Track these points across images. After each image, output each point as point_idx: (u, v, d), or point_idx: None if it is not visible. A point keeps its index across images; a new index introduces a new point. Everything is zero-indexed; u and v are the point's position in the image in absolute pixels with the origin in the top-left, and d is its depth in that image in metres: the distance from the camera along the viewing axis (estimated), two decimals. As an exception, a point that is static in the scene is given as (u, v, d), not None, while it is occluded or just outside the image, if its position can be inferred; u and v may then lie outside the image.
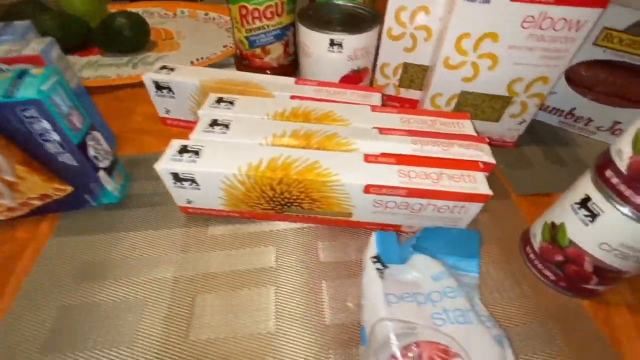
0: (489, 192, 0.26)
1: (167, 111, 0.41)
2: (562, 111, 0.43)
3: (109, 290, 0.27)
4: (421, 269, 0.25)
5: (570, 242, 0.25)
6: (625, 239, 0.22)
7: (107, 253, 0.30)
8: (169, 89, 0.38)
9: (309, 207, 0.30)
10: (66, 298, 0.27)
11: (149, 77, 0.37)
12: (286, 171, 0.27)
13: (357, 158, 0.28)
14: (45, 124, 0.26)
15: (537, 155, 0.41)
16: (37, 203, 0.31)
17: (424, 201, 0.27)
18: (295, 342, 0.25)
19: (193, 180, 0.28)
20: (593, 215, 0.23)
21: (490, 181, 0.36)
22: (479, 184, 0.27)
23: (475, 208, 0.28)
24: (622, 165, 0.21)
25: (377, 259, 0.25)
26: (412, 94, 0.44)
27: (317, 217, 0.31)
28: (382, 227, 0.31)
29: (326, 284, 0.28)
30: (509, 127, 0.39)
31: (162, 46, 0.58)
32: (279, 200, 0.29)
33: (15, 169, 0.28)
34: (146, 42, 0.56)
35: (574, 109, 0.42)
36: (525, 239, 0.30)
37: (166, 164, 0.27)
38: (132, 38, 0.54)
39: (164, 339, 0.25)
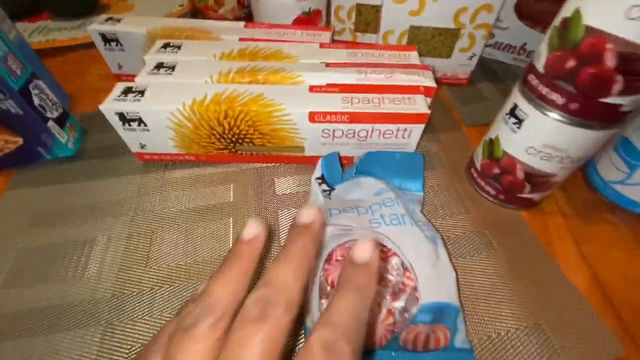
0: (427, 111, 0.27)
1: (120, 66, 0.40)
2: (515, 47, 0.44)
3: (68, 232, 0.28)
4: (364, 187, 0.26)
5: (504, 152, 0.27)
6: (546, 139, 0.24)
7: (63, 201, 0.30)
8: (117, 42, 0.38)
9: (261, 143, 0.30)
10: (25, 241, 0.27)
11: (94, 29, 0.37)
12: (230, 103, 0.27)
13: (302, 89, 0.29)
14: (-21, 67, 0.25)
15: (489, 90, 0.42)
16: (-12, 157, 0.31)
17: (368, 126, 0.28)
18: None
19: (140, 121, 0.28)
20: (520, 121, 0.25)
21: (443, 115, 0.37)
22: (418, 105, 0.28)
23: (417, 130, 0.29)
24: (540, 66, 0.22)
25: (322, 179, 0.26)
26: (369, 38, 0.45)
27: (272, 155, 0.32)
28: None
29: (281, 213, 0.29)
30: (460, 62, 0.40)
31: (115, 8, 0.55)
32: (229, 137, 0.30)
33: (-44, 118, 0.27)
34: (97, 4, 0.54)
35: (525, 44, 0.43)
36: (470, 162, 0.32)
37: (110, 104, 0.27)
38: (82, 0, 0.51)
39: (125, 267, 0.26)
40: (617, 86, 0.19)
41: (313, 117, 0.27)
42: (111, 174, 0.32)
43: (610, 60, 0.19)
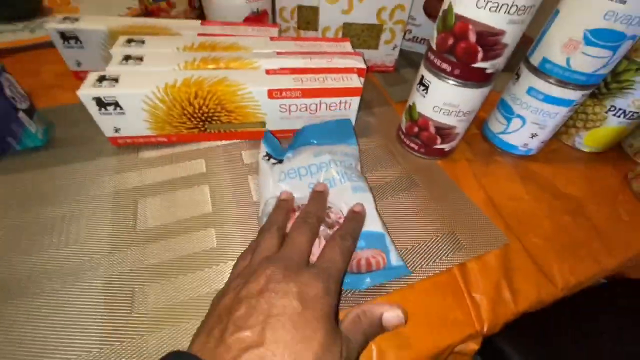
0: (360, 85, 0.35)
1: (79, 63, 0.42)
2: (428, 40, 0.55)
3: (45, 212, 0.30)
4: (306, 153, 0.33)
5: (419, 114, 0.35)
6: (444, 98, 0.33)
7: (38, 185, 0.32)
8: (77, 39, 0.40)
9: (228, 120, 0.36)
10: (10, 219, 0.29)
11: (53, 28, 0.39)
12: (199, 85, 0.32)
13: (260, 73, 0.35)
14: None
15: (411, 74, 0.52)
16: (-45, 149, 0.32)
17: (317, 100, 0.35)
18: (229, 216, 0.31)
19: (117, 104, 0.32)
20: (426, 88, 0.33)
21: (376, 95, 0.46)
22: (353, 81, 0.35)
23: (355, 102, 0.36)
24: (434, 45, 0.31)
25: (268, 155, 0.33)
26: (311, 34, 0.52)
27: (238, 132, 0.37)
28: (293, 133, 0.39)
29: (250, 177, 0.35)
30: (386, 52, 0.49)
31: (59, 11, 0.56)
32: (199, 115, 0.34)
33: None
34: (39, 7, 0.54)
35: (435, 37, 0.54)
36: (398, 127, 0.41)
37: (88, 90, 0.31)
38: (24, 2, 0.51)
39: (113, 233, 0.29)
40: (480, 54, 0.29)
41: (271, 93, 0.34)
42: (86, 158, 0.35)
43: (472, 37, 0.28)
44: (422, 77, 0.34)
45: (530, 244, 0.32)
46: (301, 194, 0.30)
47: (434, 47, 0.31)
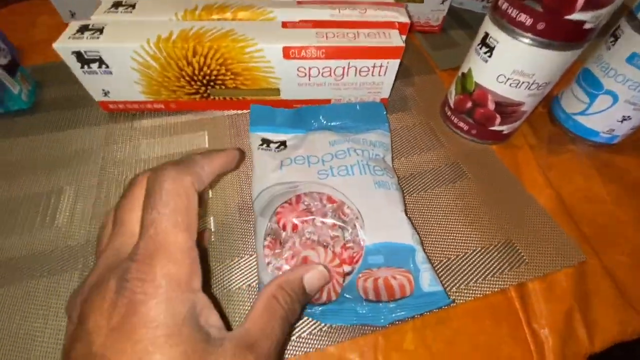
0: (402, 44, 0.27)
1: (72, 14, 0.37)
2: (485, -6, 0.44)
3: (29, 185, 0.26)
4: (320, 139, 0.26)
5: (476, 84, 0.27)
6: (515, 64, 0.24)
7: (22, 154, 0.28)
8: (67, -16, 0.34)
9: (234, 85, 0.29)
10: (-18, 195, 0.25)
11: (38, -31, 0.33)
12: (199, 39, 0.26)
13: (275, 25, 0.28)
14: None
15: (461, 37, 0.42)
16: None
17: (344, 63, 0.28)
18: (231, 203, 0.26)
19: (101, 61, 0.26)
20: (491, 50, 0.25)
21: (417, 60, 0.37)
22: (393, 38, 0.28)
23: (393, 66, 0.29)
24: (510, -13, 0.23)
25: (265, 141, 0.27)
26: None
27: (247, 100, 0.31)
28: (313, 104, 0.32)
29: (259, 156, 0.29)
30: (432, 7, 0.40)
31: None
32: (199, 78, 0.28)
33: None
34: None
35: (495, -10, 0.43)
36: (444, 101, 0.33)
37: (66, 42, 0.25)
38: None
39: (97, 215, 0.25)
40: (580, 1, 0.20)
41: (287, 52, 0.27)
42: (74, 126, 0.30)
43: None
44: (487, 35, 0.25)
45: (613, 262, 0.24)
46: (309, 179, 0.24)
47: (510, -10, 0.23)
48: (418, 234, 0.23)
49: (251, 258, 0.23)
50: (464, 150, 0.30)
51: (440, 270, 0.23)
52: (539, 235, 0.25)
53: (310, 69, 0.28)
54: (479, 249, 0.24)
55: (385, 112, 0.29)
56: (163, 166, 0.15)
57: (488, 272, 0.23)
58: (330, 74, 0.29)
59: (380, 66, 0.29)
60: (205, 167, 0.17)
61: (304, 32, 0.27)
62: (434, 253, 0.24)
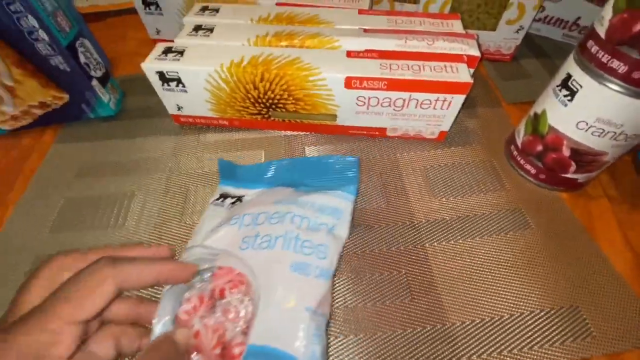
0: (470, 80, 0.26)
1: (158, 31, 0.41)
2: (566, 22, 0.41)
3: (108, 186, 0.29)
4: (268, 196, 0.25)
5: (550, 127, 0.25)
6: (602, 112, 0.22)
7: (105, 156, 0.32)
8: (157, 5, 0.38)
9: (294, 109, 0.30)
10: (70, 192, 0.29)
11: (135, -7, 0.37)
12: (267, 66, 0.27)
13: (340, 54, 0.28)
14: (32, 21, 0.26)
15: (534, 67, 0.39)
16: (38, 112, 0.32)
17: (406, 95, 0.27)
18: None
19: (179, 81, 0.29)
20: (572, 93, 0.23)
21: (482, 91, 0.36)
22: (460, 73, 0.27)
23: (458, 101, 0.28)
24: (602, 31, 0.21)
25: (223, 196, 0.26)
26: (408, 8, 0.43)
27: (304, 123, 0.32)
28: (368, 132, 0.32)
29: (310, 180, 0.30)
30: (505, 35, 0.38)
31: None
32: (263, 101, 0.30)
33: (11, 71, 0.29)
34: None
35: (579, 18, 0.40)
36: (510, 139, 0.31)
37: (152, 63, 0.28)
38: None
39: (161, 222, 0.27)
40: (694, 51, 0.18)
41: (349, 82, 0.27)
42: (149, 134, 0.33)
43: None
44: (569, 76, 0.23)
45: None
46: (231, 248, 0.21)
47: (603, 33, 0.21)
48: (326, 344, 0.19)
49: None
50: (529, 196, 0.28)
51: (489, 329, 0.22)
52: (612, 305, 0.22)
53: (370, 98, 0.28)
54: (538, 311, 0.22)
55: (356, 171, 0.26)
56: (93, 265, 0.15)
57: (545, 339, 0.21)
58: (390, 105, 0.28)
59: (444, 100, 0.28)
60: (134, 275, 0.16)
61: (368, 62, 0.27)
62: (483, 308, 0.22)
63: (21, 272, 0.25)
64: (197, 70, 0.28)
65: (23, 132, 0.34)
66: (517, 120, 0.34)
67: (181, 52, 0.29)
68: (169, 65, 0.28)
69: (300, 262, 0.20)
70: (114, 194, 0.29)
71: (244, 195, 0.25)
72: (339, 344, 0.21)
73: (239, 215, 0.23)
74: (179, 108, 0.32)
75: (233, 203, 0.25)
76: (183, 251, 0.22)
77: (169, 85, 0.29)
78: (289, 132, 0.33)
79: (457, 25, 0.31)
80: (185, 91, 0.30)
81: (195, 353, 0.18)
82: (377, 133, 0.32)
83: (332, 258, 0.22)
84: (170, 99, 0.31)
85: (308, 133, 0.33)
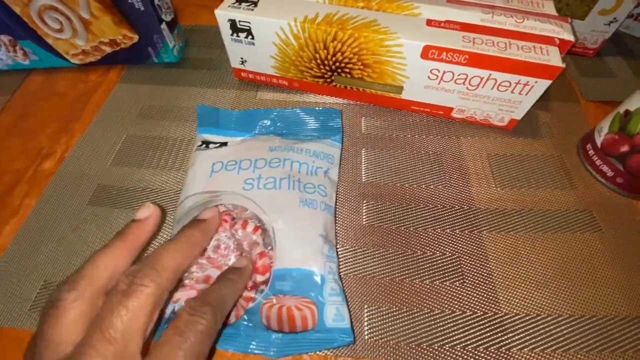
0: (562, 64, 0.24)
1: (225, -16, 0.40)
2: (665, 20, 0.37)
3: (168, 128, 0.30)
4: (260, 143, 0.25)
5: (644, 127, 0.23)
6: None
7: (166, 101, 0.32)
8: (229, -44, 0.37)
9: (360, 75, 0.29)
10: (132, 129, 0.30)
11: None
12: (342, 25, 0.26)
13: (419, 22, 0.27)
14: (117, -47, 0.26)
15: (619, 66, 0.36)
16: (107, 49, 0.33)
17: (486, 73, 0.26)
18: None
19: (249, 32, 0.28)
20: (683, 90, 0.21)
21: (559, 84, 0.33)
22: (551, 56, 0.24)
23: (541, 87, 0.26)
24: None
25: (205, 143, 0.26)
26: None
27: (365, 92, 0.31)
28: (431, 110, 0.30)
29: (364, 150, 0.29)
30: (594, 27, 0.34)
31: None
32: (329, 64, 0.29)
33: (90, 4, 0.29)
34: None
35: (682, 17, 0.36)
36: (587, 137, 0.28)
37: (225, 10, 0.28)
38: None
39: (214, 171, 0.27)
40: None
41: (427, 52, 0.25)
42: (209, 85, 0.33)
43: None
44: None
45: None
46: (234, 188, 0.22)
47: None
48: (337, 260, 0.22)
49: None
50: (600, 199, 0.26)
51: (545, 325, 0.20)
52: (686, 325, 0.20)
53: (444, 72, 0.27)
54: (600, 316, 0.21)
55: (339, 121, 0.27)
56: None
57: (605, 345, 0.20)
58: (464, 82, 0.27)
59: (526, 84, 0.26)
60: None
61: (450, 33, 0.26)
62: (540, 304, 0.21)
63: (82, 197, 0.26)
64: (269, 22, 0.27)
65: (90, 68, 0.35)
66: (595, 119, 0.31)
67: (255, 3, 0.28)
68: (242, 15, 0.27)
69: (307, 199, 0.22)
70: (173, 137, 0.29)
71: (226, 142, 0.26)
72: (383, 315, 0.21)
73: (235, 161, 0.24)
74: (243, 62, 0.32)
75: (217, 147, 0.25)
76: (178, 205, 0.23)
77: (238, 36, 0.29)
78: (345, 101, 0.32)
79: (548, 7, 0.29)
80: (253, 44, 0.29)
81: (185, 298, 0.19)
82: (441, 112, 0.30)
83: (332, 196, 0.24)
84: (236, 51, 0.31)
85: (366, 104, 0.32)
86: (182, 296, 0.19)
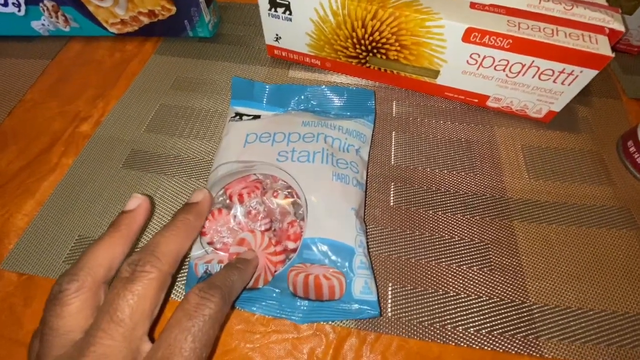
0: (611, 54, 0.23)
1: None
2: None
3: (200, 100, 0.30)
4: (294, 118, 0.25)
5: (696, 123, 0.22)
6: None
7: (200, 74, 0.32)
8: None
9: (396, 57, 0.29)
10: (165, 99, 0.30)
11: None
12: (383, 3, 0.26)
13: (462, 3, 0.26)
14: None
15: (666, 65, 0.34)
16: (145, 20, 0.34)
17: (528, 60, 0.25)
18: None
19: (287, 7, 0.28)
20: None
21: (600, 79, 0.32)
22: (600, 45, 0.24)
23: (586, 77, 0.25)
24: None
25: (239, 115, 0.26)
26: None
27: (400, 76, 0.30)
28: (466, 97, 0.30)
29: (395, 133, 0.28)
30: (643, 22, 0.33)
31: None
32: (366, 44, 0.29)
33: (133, -28, 0.30)
34: None
35: None
36: (629, 133, 0.27)
37: (266, -17, 0.28)
38: None
39: (244, 144, 0.27)
40: None
41: (469, 34, 0.25)
42: (241, 61, 0.34)
43: None
44: None
45: None
46: (267, 159, 0.23)
47: None
48: (366, 236, 0.22)
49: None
50: (638, 198, 0.25)
51: (575, 318, 0.20)
52: None
53: (484, 57, 0.26)
54: (633, 313, 0.20)
55: (373, 103, 0.27)
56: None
57: (636, 343, 0.19)
58: (504, 68, 0.26)
59: (570, 74, 0.25)
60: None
61: (494, 17, 0.25)
62: (570, 296, 0.21)
63: (117, 160, 0.26)
64: (310, -3, 0.27)
65: (127, 39, 0.35)
66: (637, 117, 0.30)
67: (295, -23, 0.28)
68: (283, -12, 0.27)
69: (340, 174, 0.22)
70: (205, 109, 0.30)
71: (259, 115, 0.26)
72: (407, 293, 0.21)
73: (269, 133, 0.24)
74: (277, 38, 0.32)
75: (250, 120, 0.26)
76: (211, 171, 0.23)
77: (276, 11, 0.29)
78: (377, 83, 0.32)
79: (598, -4, 0.28)
80: (290, 19, 0.29)
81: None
82: (475, 100, 0.30)
83: (362, 174, 0.24)
84: (271, 27, 0.31)
85: (398, 88, 0.32)
86: (214, 257, 0.19)
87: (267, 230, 0.21)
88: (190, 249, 0.19)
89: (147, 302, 0.14)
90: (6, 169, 0.26)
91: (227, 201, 0.22)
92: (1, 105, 0.30)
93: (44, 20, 0.34)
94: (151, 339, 0.15)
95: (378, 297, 0.19)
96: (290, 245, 0.20)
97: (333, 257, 0.19)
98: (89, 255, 0.15)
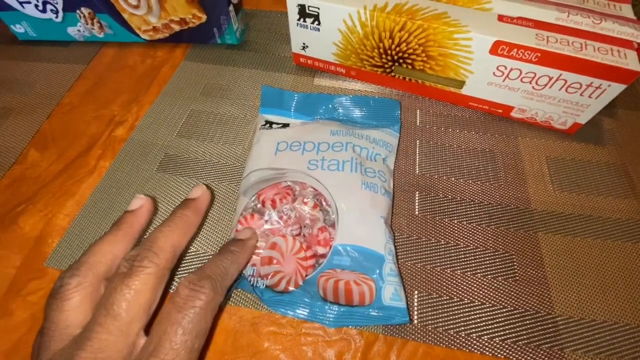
0: (639, 69, 0.23)
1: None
2: None
3: (229, 107, 0.31)
4: (322, 127, 0.26)
5: None
6: None
7: (227, 80, 0.33)
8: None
9: (421, 67, 0.29)
10: (195, 105, 0.31)
11: None
12: (412, 15, 0.26)
13: (490, 17, 0.26)
14: None
15: (695, 77, 0.34)
16: (176, 28, 0.35)
17: (556, 72, 0.25)
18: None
19: (316, 17, 0.29)
20: None
21: (627, 92, 0.32)
22: (629, 60, 0.24)
23: (613, 91, 0.25)
24: None
25: (269, 123, 0.27)
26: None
27: (424, 85, 0.31)
28: (490, 108, 0.30)
29: (418, 141, 0.29)
30: (672, 34, 0.33)
31: None
32: (392, 54, 0.29)
33: (168, -18, 0.31)
34: None
35: None
36: (656, 147, 0.27)
37: (296, -6, 0.28)
38: None
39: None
40: None
41: (497, 47, 0.25)
42: (267, 68, 0.35)
43: None
44: None
45: None
46: (298, 167, 0.24)
47: None
48: (394, 245, 0.22)
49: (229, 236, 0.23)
50: (666, 211, 0.25)
51: (601, 331, 0.20)
52: None
53: (511, 70, 0.26)
54: (660, 329, 0.20)
55: (399, 112, 0.29)
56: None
57: (667, 358, 0.19)
58: (531, 81, 0.26)
59: (598, 87, 0.25)
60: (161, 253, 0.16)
61: (523, 30, 0.25)
62: (596, 309, 0.21)
63: (152, 164, 0.27)
64: (338, 9, 0.28)
65: (158, 45, 0.37)
66: (665, 131, 0.30)
67: (325, -11, 0.29)
68: (313, 0, 0.28)
69: (368, 182, 0.23)
70: (234, 115, 0.31)
71: (288, 124, 0.27)
72: (433, 302, 0.21)
73: (299, 142, 0.25)
74: (304, 47, 0.32)
75: (280, 127, 0.27)
76: (243, 177, 0.24)
77: (304, 21, 0.30)
78: (401, 92, 0.33)
79: (626, 10, 0.28)
80: (318, 29, 0.30)
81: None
82: (499, 111, 0.30)
83: (390, 183, 0.25)
84: (299, 36, 0.31)
85: (422, 97, 0.32)
86: (256, 261, 0.20)
87: (297, 235, 0.22)
88: (188, 244, 0.20)
89: (144, 297, 0.14)
90: (47, 170, 0.28)
91: (259, 206, 0.23)
92: (41, 108, 0.31)
93: (80, 26, 0.35)
94: (149, 334, 0.15)
95: (407, 304, 0.20)
96: (320, 250, 0.21)
97: (363, 264, 0.20)
98: (91, 252, 0.16)
